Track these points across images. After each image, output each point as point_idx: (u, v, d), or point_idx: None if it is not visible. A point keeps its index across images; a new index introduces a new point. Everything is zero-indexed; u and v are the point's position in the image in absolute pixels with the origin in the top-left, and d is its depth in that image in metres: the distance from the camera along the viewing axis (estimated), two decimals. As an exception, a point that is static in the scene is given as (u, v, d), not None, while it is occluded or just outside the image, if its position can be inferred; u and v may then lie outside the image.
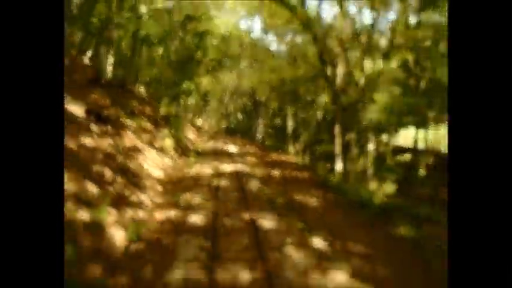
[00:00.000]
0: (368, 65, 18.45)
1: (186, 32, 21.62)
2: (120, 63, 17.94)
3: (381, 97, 16.35)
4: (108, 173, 7.50)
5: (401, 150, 23.16)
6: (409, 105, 15.67)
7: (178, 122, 19.02)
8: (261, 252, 5.08)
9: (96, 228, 5.13)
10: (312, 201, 8.73)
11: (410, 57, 20.31)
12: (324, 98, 23.79)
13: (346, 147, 16.15)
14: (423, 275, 4.77)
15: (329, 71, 16.55)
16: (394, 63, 20.30)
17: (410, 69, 20.45)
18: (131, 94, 17.42)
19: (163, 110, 18.53)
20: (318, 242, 5.69)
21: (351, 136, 16.24)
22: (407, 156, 23.08)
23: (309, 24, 15.20)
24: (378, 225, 6.94)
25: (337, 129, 16.42)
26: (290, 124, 26.65)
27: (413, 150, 23.78)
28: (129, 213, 6.41)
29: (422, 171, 19.03)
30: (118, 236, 5.38)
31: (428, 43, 17.39)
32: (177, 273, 4.37)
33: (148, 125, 14.91)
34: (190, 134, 24.41)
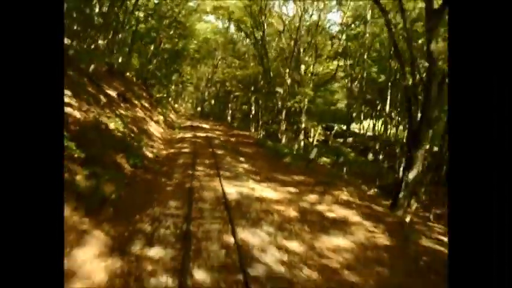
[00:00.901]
0: (316, 66, 25.23)
1: (173, 34, 28.24)
2: (123, 58, 24.37)
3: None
4: (135, 129, 14.27)
5: (346, 135, 30.59)
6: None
7: (166, 104, 25.76)
8: (215, 158, 12.08)
9: (140, 149, 11.92)
10: (248, 150, 15.83)
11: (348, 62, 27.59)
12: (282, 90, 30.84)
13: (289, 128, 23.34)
14: (272, 161, 11.91)
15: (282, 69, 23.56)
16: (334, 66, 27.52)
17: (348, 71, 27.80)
18: (133, 82, 23.96)
19: (155, 95, 25.17)
20: (241, 159, 12.75)
21: (295, 119, 23.42)
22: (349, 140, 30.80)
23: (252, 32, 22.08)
24: (275, 158, 14.10)
25: (283, 114, 23.57)
26: (253, 109, 33.67)
27: (358, 135, 31.66)
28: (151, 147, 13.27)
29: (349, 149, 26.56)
30: (150, 154, 12.21)
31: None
32: (180, 161, 11.29)
33: (147, 105, 21.60)
34: (171, 115, 31.07)
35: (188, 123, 29.49)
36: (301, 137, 23.62)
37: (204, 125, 27.76)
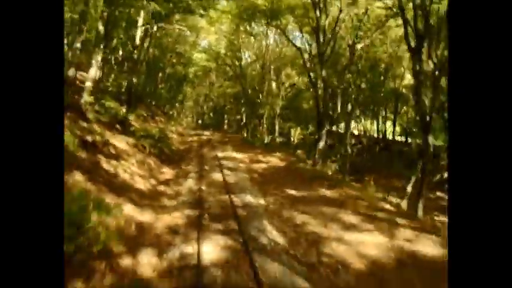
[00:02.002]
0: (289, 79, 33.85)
1: (175, 62, 37.35)
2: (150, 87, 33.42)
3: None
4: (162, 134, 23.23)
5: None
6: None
7: (176, 119, 34.79)
8: (213, 146, 20.98)
9: (170, 144, 20.75)
10: (234, 143, 24.79)
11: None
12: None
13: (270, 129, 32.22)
14: (246, 146, 20.81)
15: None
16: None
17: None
18: (150, 104, 33.03)
19: (168, 112, 34.23)
20: (228, 147, 21.70)
21: (272, 122, 32.33)
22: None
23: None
24: (249, 145, 23.04)
25: (264, 119, 32.45)
26: (244, 118, 42.65)
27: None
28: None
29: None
30: (174, 147, 21.08)
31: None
32: (193, 148, 20.20)
33: (163, 120, 30.61)
34: (179, 127, 40.11)
35: (193, 132, 38.40)
36: (276, 134, 32.48)
37: (205, 132, 36.69)
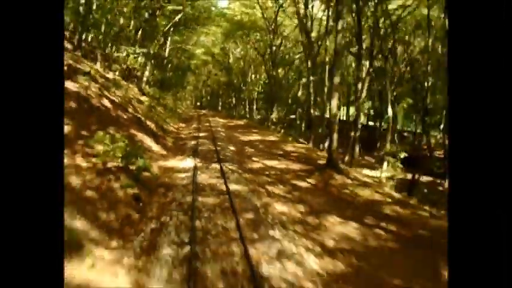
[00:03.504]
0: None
1: (181, 55, 49.72)
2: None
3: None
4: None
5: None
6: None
7: (182, 99, 47.38)
8: (208, 118, 33.58)
9: (180, 113, 33.34)
10: (223, 116, 37.43)
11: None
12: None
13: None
14: (230, 117, 33.42)
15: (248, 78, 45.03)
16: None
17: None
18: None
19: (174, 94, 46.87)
20: (218, 117, 34.32)
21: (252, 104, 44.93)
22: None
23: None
24: (232, 117, 35.65)
25: (246, 102, 44.98)
26: (234, 101, 55.25)
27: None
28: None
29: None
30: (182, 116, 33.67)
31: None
32: (194, 117, 32.80)
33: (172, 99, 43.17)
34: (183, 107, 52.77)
35: (193, 110, 51.09)
36: (255, 112, 45.07)
37: (203, 111, 49.36)
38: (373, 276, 5.30)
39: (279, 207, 7.95)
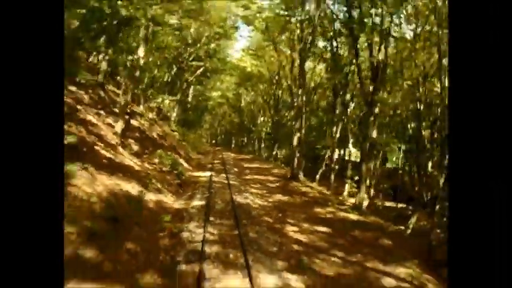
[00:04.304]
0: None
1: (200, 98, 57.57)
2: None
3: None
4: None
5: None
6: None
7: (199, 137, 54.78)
8: (222, 153, 40.46)
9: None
10: (234, 151, 44.30)
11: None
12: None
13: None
14: (240, 151, 40.16)
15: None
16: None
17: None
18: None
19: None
20: (229, 153, 41.16)
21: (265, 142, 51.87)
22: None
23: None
24: (242, 153, 42.47)
25: (256, 141, 51.99)
26: (245, 140, 62.39)
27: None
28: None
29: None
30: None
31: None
32: (210, 152, 39.74)
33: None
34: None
35: (209, 147, 58.32)
36: (263, 149, 51.86)
37: (218, 148, 56.52)
38: (281, 207, 12.21)
39: (253, 190, 14.77)
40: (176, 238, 8.22)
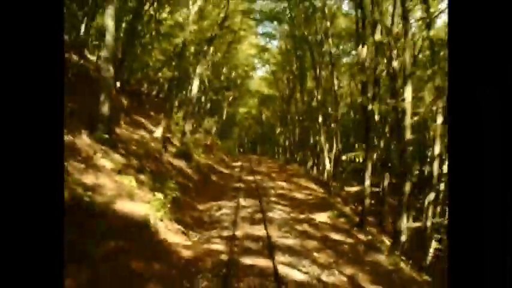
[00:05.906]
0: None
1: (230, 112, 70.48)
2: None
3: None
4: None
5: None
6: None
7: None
8: (251, 158, 52.67)
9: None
10: (258, 155, 56.65)
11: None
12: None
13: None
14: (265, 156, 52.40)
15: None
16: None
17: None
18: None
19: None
20: (255, 157, 53.47)
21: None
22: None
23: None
24: (267, 158, 54.77)
25: (280, 148, 64.01)
26: (268, 146, 74.67)
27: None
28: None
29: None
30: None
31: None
32: (237, 161, 52.10)
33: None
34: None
35: (237, 153, 70.81)
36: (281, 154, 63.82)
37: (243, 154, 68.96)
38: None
39: (275, 181, 27.19)
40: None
